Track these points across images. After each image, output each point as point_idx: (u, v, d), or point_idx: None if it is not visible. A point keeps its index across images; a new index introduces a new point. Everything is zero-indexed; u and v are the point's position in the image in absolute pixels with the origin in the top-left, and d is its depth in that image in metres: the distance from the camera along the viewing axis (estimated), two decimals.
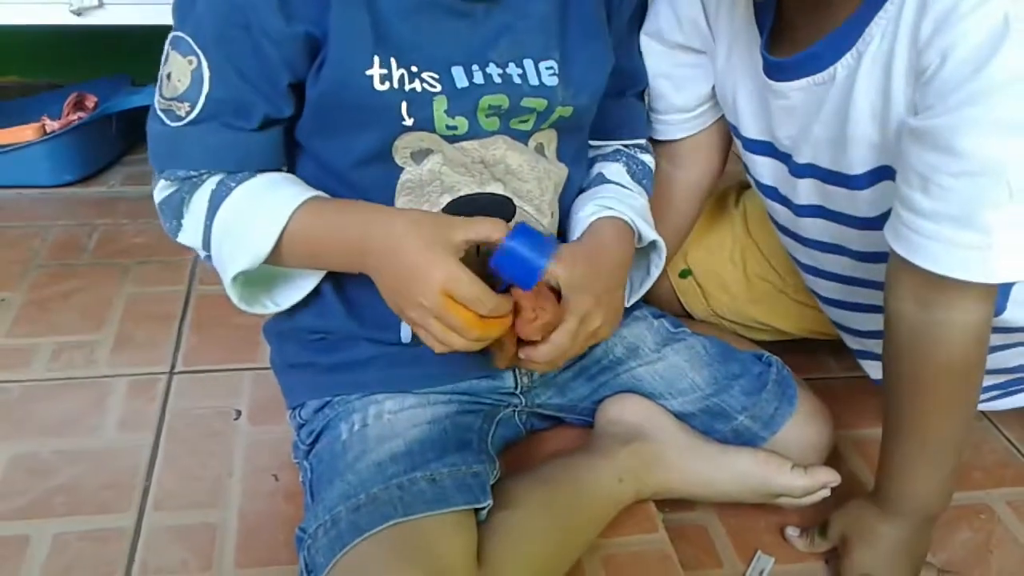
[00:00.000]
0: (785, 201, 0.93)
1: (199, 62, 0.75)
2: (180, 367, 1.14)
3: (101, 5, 1.46)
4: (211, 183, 0.79)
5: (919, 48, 0.70)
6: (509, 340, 0.80)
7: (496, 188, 0.83)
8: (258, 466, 0.98)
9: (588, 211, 0.89)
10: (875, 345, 0.99)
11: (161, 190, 0.82)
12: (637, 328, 0.99)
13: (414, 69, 0.76)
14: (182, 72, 0.76)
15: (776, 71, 0.84)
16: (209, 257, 0.81)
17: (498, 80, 0.79)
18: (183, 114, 0.77)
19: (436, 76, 0.77)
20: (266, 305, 0.86)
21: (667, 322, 1.01)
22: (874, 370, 1.02)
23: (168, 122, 0.78)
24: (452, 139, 0.80)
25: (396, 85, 0.76)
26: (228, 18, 0.74)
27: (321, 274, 0.85)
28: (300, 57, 0.76)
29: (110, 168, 1.69)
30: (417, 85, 0.76)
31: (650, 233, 0.91)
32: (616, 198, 0.91)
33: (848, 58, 0.77)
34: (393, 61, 0.76)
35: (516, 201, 0.84)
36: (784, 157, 0.90)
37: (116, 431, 1.03)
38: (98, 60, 1.81)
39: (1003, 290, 0.82)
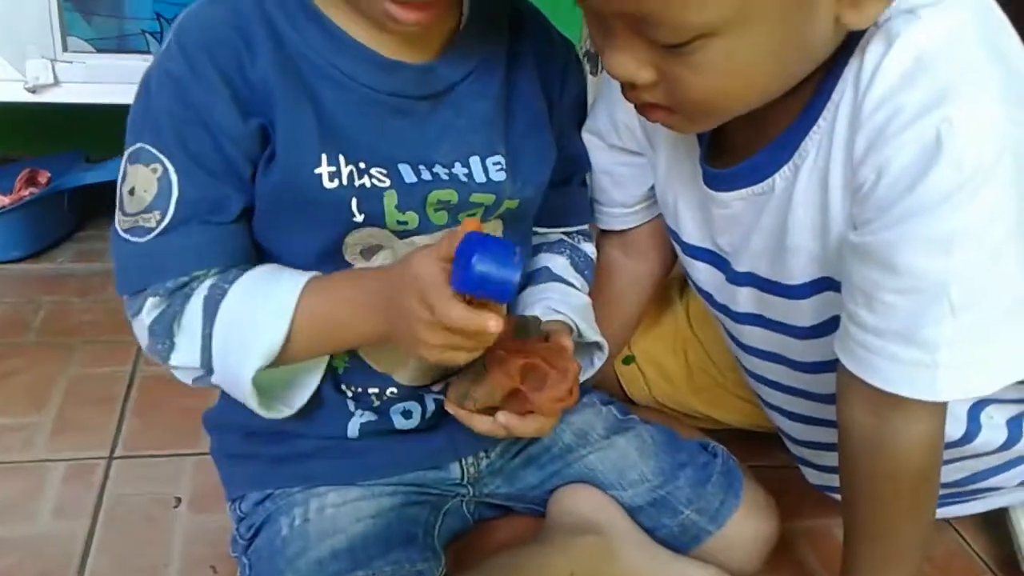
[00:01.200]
0: (724, 309, 0.93)
1: (164, 167, 0.73)
2: (120, 452, 1.11)
3: (57, 83, 1.46)
4: (203, 290, 0.75)
5: (854, 164, 0.70)
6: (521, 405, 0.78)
7: None
8: (196, 557, 0.95)
9: (536, 312, 0.90)
10: (812, 455, 0.99)
11: (151, 310, 0.75)
12: (586, 414, 0.98)
13: (362, 165, 0.76)
14: (147, 182, 0.74)
15: (716, 181, 0.84)
16: (202, 378, 0.77)
17: (445, 177, 0.79)
18: (153, 224, 0.74)
19: (384, 171, 0.77)
20: (281, 410, 0.81)
21: (615, 409, 1.01)
22: (812, 476, 1.02)
23: (136, 239, 0.74)
24: (402, 234, 0.79)
25: (345, 182, 0.75)
26: (185, 118, 0.73)
27: (321, 371, 0.82)
28: (257, 149, 0.75)
29: (60, 244, 1.67)
30: (367, 181, 0.76)
31: (592, 335, 0.92)
32: (562, 300, 0.92)
33: (786, 170, 0.76)
34: (341, 158, 0.75)
35: None
36: (723, 265, 0.89)
37: (51, 518, 0.99)
38: (52, 136, 1.80)
39: None
